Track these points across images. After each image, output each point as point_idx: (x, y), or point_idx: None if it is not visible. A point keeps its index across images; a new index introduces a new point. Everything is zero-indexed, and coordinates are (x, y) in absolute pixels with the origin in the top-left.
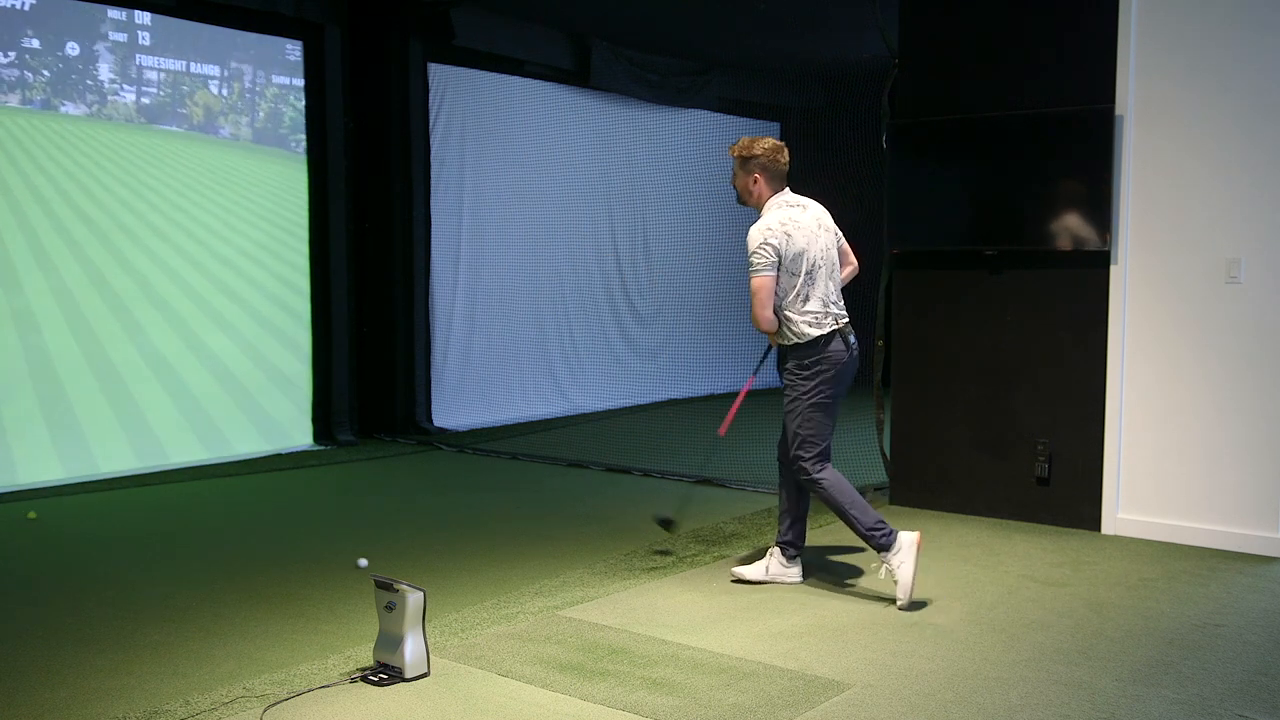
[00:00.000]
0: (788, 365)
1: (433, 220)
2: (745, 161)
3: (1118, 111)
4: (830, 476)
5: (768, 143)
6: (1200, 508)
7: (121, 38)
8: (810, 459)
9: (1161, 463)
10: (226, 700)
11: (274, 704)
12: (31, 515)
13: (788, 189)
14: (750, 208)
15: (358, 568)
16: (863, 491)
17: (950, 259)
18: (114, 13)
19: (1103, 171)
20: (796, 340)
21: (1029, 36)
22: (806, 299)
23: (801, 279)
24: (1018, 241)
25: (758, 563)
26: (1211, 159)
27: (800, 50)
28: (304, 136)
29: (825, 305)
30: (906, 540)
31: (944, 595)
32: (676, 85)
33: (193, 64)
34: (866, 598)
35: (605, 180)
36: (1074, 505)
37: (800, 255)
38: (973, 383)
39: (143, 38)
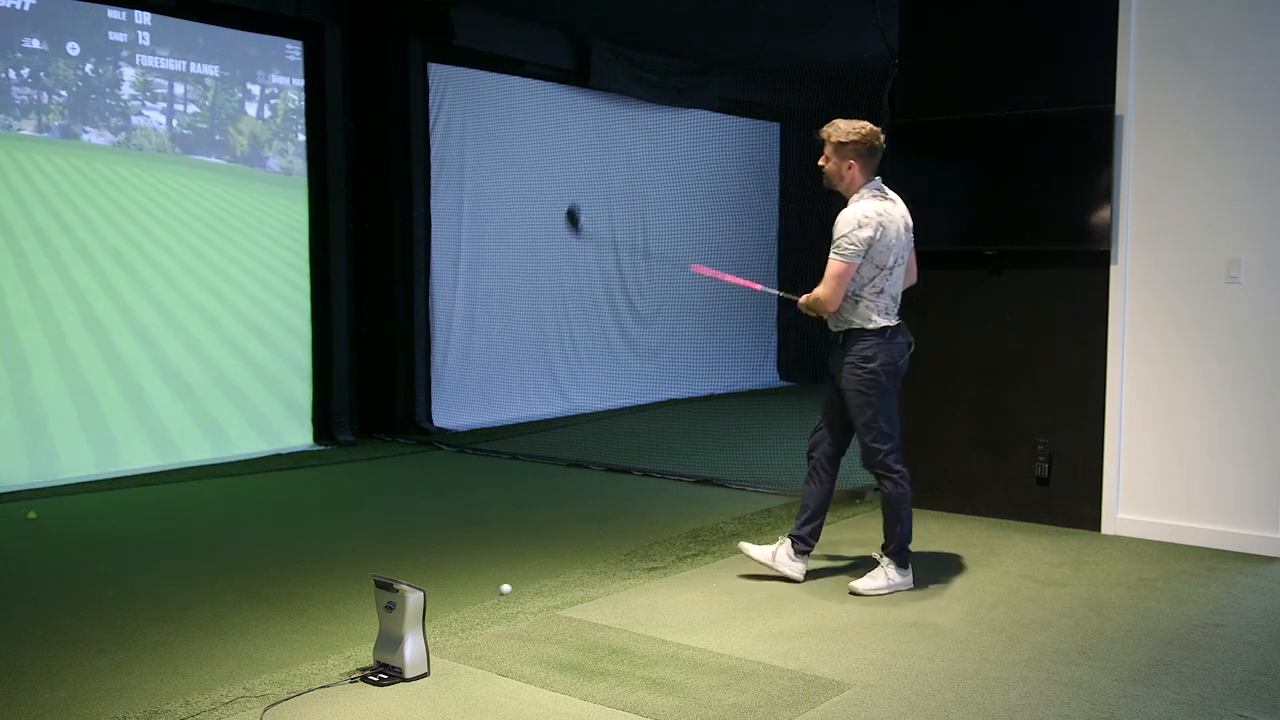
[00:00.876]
0: (848, 359)
1: (433, 220)
2: (841, 147)
3: (1118, 111)
4: (906, 480)
5: (865, 128)
6: (1200, 508)
7: (121, 38)
8: (891, 452)
9: (1161, 463)
10: (226, 700)
11: (274, 704)
12: (31, 515)
13: (879, 179)
14: (838, 192)
15: (501, 594)
16: (863, 492)
17: (950, 259)
18: (114, 13)
19: (1103, 172)
20: (862, 325)
21: (1029, 36)
22: (881, 291)
23: (883, 273)
24: (1018, 241)
25: (767, 546)
26: (1211, 159)
27: (800, 50)
28: (304, 136)
29: (894, 301)
30: (911, 579)
31: (944, 595)
32: (676, 85)
33: (192, 64)
34: (867, 598)
35: (605, 180)
36: (1074, 505)
37: (888, 249)
38: (973, 383)
39: (143, 38)
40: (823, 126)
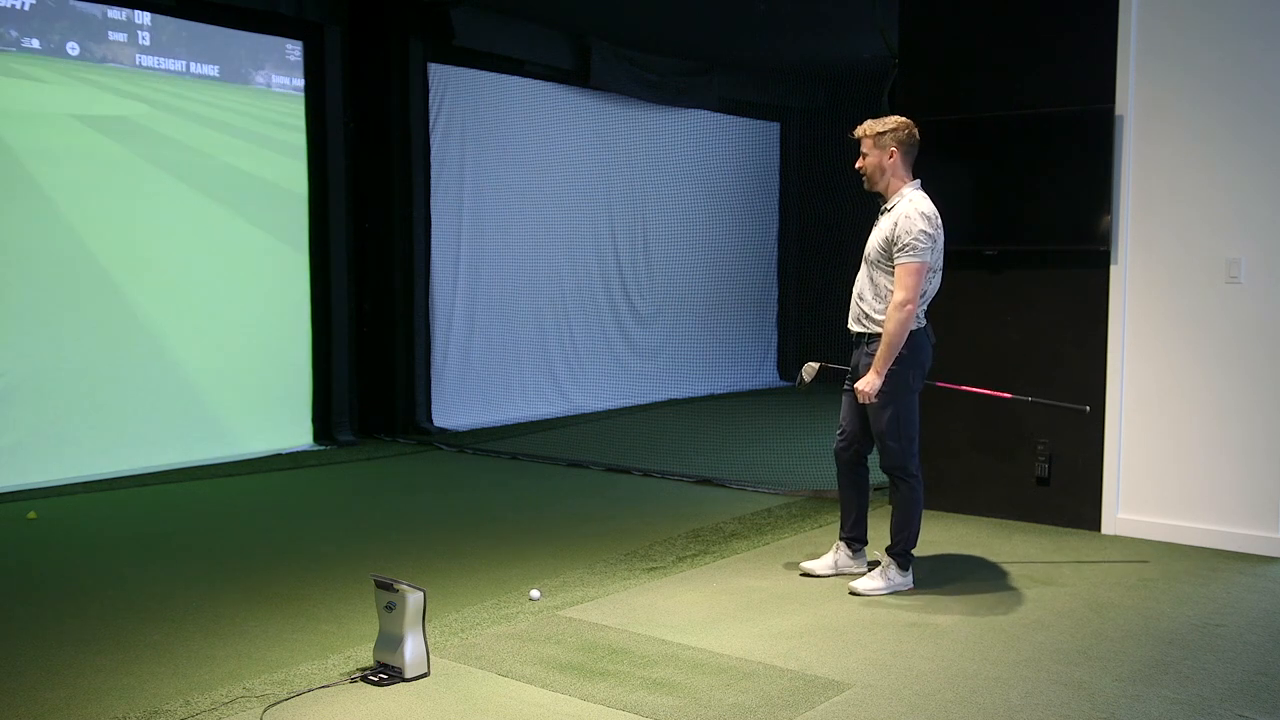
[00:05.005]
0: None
1: (433, 220)
2: (879, 137)
3: (1118, 111)
4: (921, 484)
5: (899, 118)
6: (1200, 508)
7: (121, 38)
8: (911, 456)
9: (1161, 463)
10: (226, 700)
11: (274, 704)
12: (31, 515)
13: (920, 181)
14: (875, 191)
15: (531, 599)
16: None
17: (950, 259)
18: (114, 13)
19: (1103, 171)
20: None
21: (1029, 36)
22: (923, 294)
23: (929, 274)
24: (1018, 241)
25: (825, 557)
26: (1211, 159)
27: (800, 50)
28: (304, 136)
29: (928, 302)
30: (911, 580)
31: (944, 595)
32: (676, 85)
33: (192, 64)
34: (867, 598)
35: (605, 180)
36: (1074, 505)
37: (941, 251)
38: (972, 382)
39: (143, 38)
40: (853, 129)
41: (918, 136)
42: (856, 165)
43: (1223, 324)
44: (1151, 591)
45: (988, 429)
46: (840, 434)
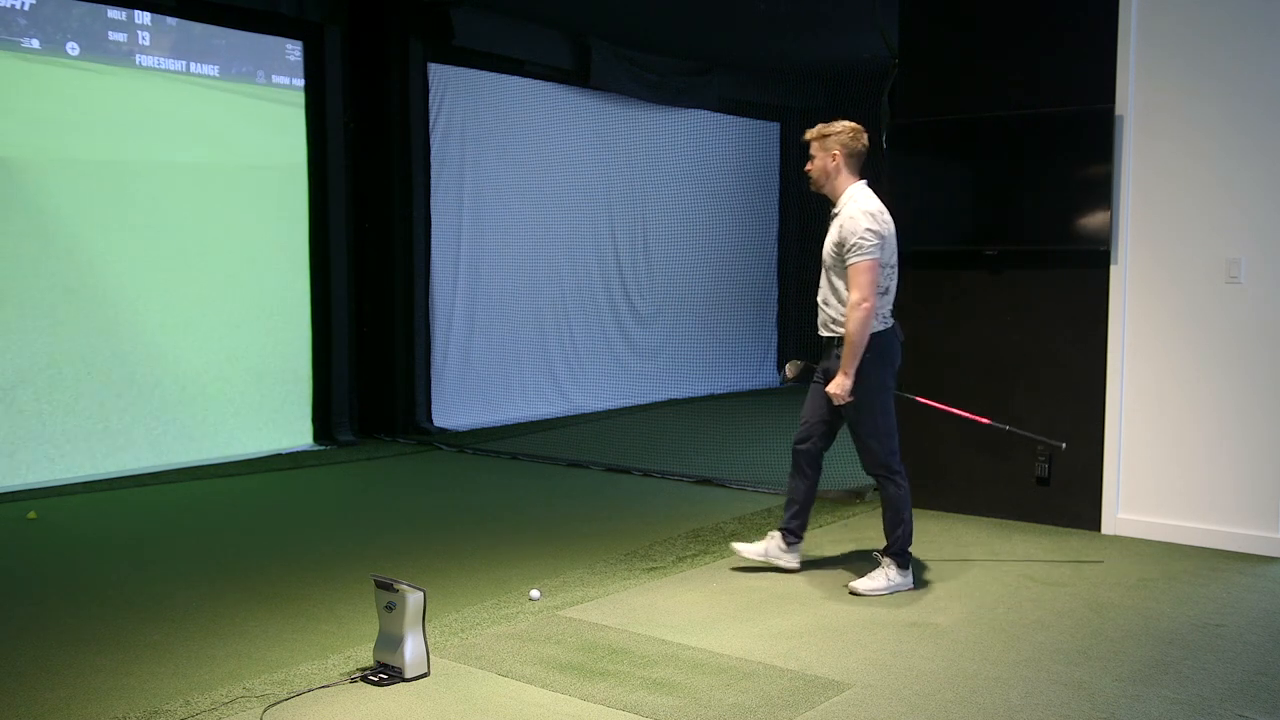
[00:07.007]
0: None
1: (433, 220)
2: (824, 140)
3: (1118, 111)
4: (906, 480)
5: (847, 122)
6: (1200, 508)
7: (121, 38)
8: (892, 453)
9: (1161, 463)
10: (226, 700)
11: (274, 704)
12: (31, 515)
13: (865, 181)
14: (823, 194)
15: (531, 599)
16: (863, 491)
17: (950, 259)
18: (114, 13)
19: (1103, 172)
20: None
21: (1029, 36)
22: (885, 291)
23: (885, 270)
24: (1018, 241)
25: (759, 543)
26: (1211, 159)
27: (800, 50)
28: (304, 136)
29: (891, 300)
30: (911, 580)
31: (944, 595)
32: (676, 85)
33: (192, 64)
34: (867, 598)
35: (605, 180)
36: (1074, 505)
37: (892, 247)
38: (973, 383)
39: (142, 38)
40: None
41: (866, 143)
42: (805, 169)
43: (1223, 324)
44: (1151, 591)
45: (987, 428)
46: (802, 424)
